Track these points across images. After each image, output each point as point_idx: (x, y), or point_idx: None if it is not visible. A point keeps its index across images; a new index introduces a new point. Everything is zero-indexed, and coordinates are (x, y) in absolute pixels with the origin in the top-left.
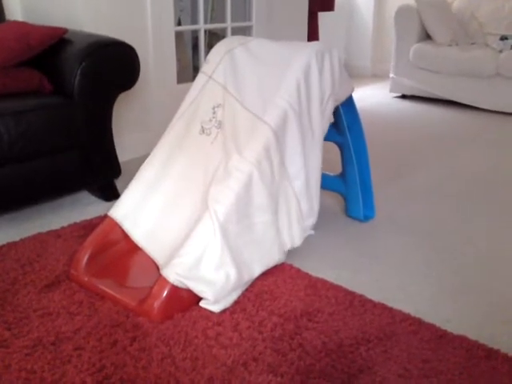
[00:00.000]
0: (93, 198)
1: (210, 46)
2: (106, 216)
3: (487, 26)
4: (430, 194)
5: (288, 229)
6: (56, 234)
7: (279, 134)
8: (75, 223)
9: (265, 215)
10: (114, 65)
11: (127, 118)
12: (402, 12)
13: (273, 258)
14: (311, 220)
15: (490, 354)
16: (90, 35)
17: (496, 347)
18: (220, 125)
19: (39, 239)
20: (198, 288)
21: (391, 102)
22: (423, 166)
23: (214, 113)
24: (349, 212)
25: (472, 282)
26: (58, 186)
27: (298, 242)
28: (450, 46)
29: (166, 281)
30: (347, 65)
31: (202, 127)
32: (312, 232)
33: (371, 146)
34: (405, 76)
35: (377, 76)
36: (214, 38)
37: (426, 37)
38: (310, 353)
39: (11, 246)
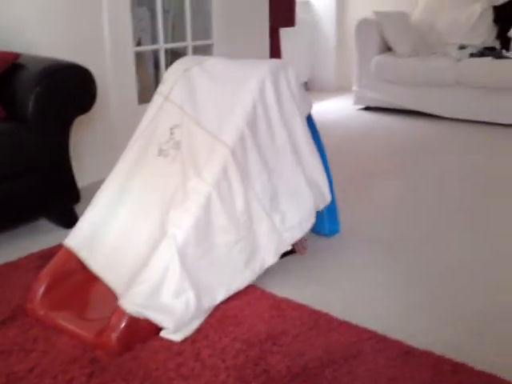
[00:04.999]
0: (52, 226)
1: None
2: (61, 245)
3: (446, 36)
4: (395, 205)
5: (260, 248)
6: (14, 265)
7: (238, 153)
8: (33, 253)
9: (227, 236)
10: (69, 88)
11: (88, 140)
12: (362, 25)
13: (239, 280)
14: (288, 234)
15: (456, 368)
16: (43, 59)
17: (462, 360)
18: (178, 146)
19: None
20: (157, 318)
21: (355, 115)
22: (387, 177)
23: (172, 134)
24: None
25: (439, 295)
26: (16, 214)
27: (270, 260)
28: (410, 56)
29: (123, 311)
30: (312, 79)
31: (160, 149)
32: (290, 247)
33: (335, 159)
34: (367, 88)
35: (342, 89)
36: (175, 56)
37: (387, 49)
38: (274, 378)
39: None
